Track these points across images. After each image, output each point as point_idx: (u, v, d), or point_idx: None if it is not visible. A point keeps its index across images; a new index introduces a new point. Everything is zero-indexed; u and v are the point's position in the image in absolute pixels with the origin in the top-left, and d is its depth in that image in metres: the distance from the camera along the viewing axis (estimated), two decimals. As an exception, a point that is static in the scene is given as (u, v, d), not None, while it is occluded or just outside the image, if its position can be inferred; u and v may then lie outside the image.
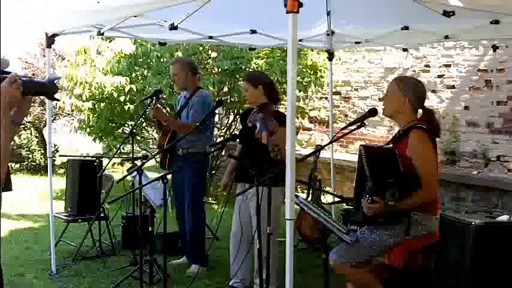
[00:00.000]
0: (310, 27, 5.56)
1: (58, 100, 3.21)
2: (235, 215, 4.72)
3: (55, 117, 11.89)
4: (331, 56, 6.56)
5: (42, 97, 7.23)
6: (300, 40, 5.72)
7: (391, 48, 8.19)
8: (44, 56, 11.81)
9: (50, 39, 5.11)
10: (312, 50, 7.88)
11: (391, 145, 3.69)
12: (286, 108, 3.41)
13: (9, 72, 2.18)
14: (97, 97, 7.63)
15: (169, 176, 4.53)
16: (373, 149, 3.69)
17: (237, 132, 6.28)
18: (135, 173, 4.58)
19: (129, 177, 5.03)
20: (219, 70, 7.99)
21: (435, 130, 3.63)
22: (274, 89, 4.76)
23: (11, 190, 4.50)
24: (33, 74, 11.44)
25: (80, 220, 5.96)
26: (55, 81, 2.36)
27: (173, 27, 3.97)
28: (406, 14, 4.63)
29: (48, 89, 2.35)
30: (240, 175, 4.68)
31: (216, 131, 8.31)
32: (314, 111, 9.84)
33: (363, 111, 8.53)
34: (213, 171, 8.82)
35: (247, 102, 4.92)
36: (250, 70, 7.60)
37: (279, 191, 4.01)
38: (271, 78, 5.50)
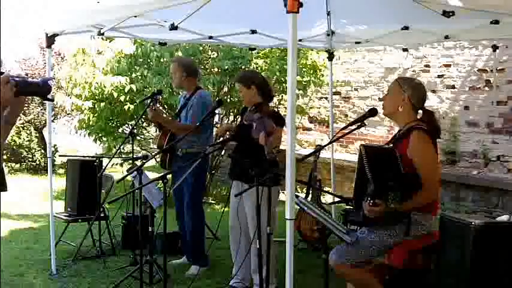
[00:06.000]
0: (310, 27, 5.56)
1: (52, 100, 3.20)
2: (231, 210, 4.75)
3: (55, 117, 11.88)
4: (331, 56, 6.56)
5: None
6: (300, 40, 5.72)
7: (391, 48, 8.19)
8: (44, 55, 11.79)
9: (50, 39, 5.10)
10: (312, 50, 7.88)
11: (391, 145, 3.69)
12: (286, 108, 3.40)
13: (2, 73, 2.18)
14: (97, 97, 7.63)
15: (169, 176, 4.52)
16: (374, 148, 3.69)
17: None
18: (135, 173, 4.58)
19: (129, 177, 5.03)
20: (219, 70, 7.99)
21: (436, 131, 3.64)
22: (268, 87, 4.74)
23: (6, 190, 4.48)
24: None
25: (80, 220, 5.95)
26: (48, 82, 2.35)
27: (173, 27, 3.98)
28: (406, 14, 4.62)
29: (41, 89, 2.34)
30: (235, 173, 4.66)
31: (215, 131, 8.29)
32: (314, 111, 9.84)
33: (363, 111, 8.53)
34: (213, 171, 8.82)
35: (244, 103, 4.89)
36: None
37: (276, 189, 4.01)
38: (268, 76, 5.46)
